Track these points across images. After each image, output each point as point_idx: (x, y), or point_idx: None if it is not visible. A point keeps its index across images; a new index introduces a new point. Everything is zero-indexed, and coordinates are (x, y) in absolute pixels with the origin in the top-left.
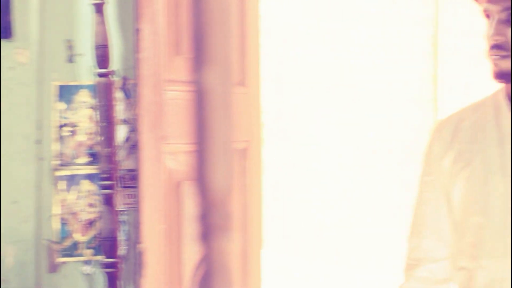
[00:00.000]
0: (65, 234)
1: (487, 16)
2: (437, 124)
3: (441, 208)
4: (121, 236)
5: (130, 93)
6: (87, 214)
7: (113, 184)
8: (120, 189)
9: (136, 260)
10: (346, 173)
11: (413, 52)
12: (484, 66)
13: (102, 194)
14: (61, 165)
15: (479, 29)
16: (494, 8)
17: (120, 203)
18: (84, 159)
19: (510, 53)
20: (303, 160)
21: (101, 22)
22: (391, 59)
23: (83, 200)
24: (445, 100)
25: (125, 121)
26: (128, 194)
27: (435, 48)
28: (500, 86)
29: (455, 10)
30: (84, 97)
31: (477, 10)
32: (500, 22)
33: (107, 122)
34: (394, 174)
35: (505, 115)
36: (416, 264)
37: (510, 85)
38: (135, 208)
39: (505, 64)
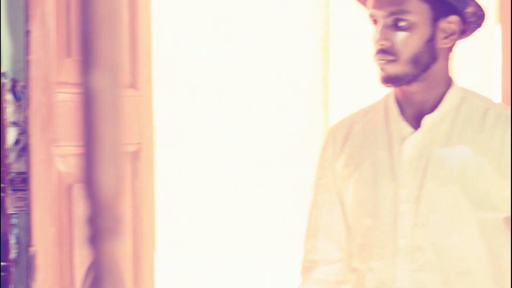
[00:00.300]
0: None
1: (374, 21)
2: (330, 128)
3: (335, 211)
4: (12, 240)
5: (20, 95)
6: None
7: (3, 187)
8: (11, 192)
9: (28, 264)
10: (239, 174)
11: (303, 55)
12: (374, 70)
13: None
14: None
15: (368, 33)
16: (380, 13)
17: (11, 206)
18: None
19: (396, 58)
20: (195, 162)
21: None
22: (282, 62)
23: None
24: (336, 103)
25: (14, 124)
26: (19, 197)
27: (326, 52)
28: (389, 90)
29: (346, 14)
30: None
31: (366, 15)
32: (386, 27)
33: None
34: (286, 176)
35: (394, 119)
36: (312, 266)
37: (398, 89)
38: (26, 211)
39: (391, 69)
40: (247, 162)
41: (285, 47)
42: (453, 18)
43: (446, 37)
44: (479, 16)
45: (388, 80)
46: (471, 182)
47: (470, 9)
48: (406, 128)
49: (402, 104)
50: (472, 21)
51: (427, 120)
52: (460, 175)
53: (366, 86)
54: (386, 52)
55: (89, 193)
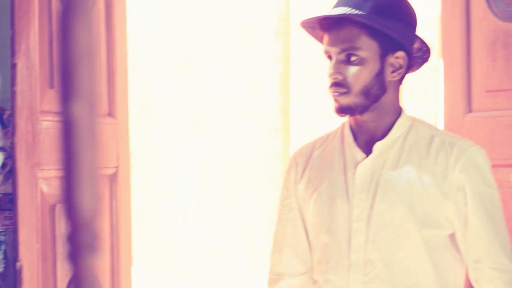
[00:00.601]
0: None
1: (329, 57)
2: (293, 153)
3: (298, 228)
4: (0, 255)
5: (6, 123)
6: None
7: None
8: None
9: (15, 277)
10: (207, 195)
11: (266, 87)
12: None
13: None
14: None
15: (324, 68)
16: (333, 50)
17: None
18: None
19: (348, 90)
20: (168, 184)
21: None
22: (247, 94)
23: None
24: (295, 130)
25: (1, 149)
26: (6, 216)
27: (286, 84)
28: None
29: (305, 49)
30: None
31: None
32: (339, 62)
33: None
34: (250, 196)
35: (348, 145)
36: (278, 278)
37: (352, 118)
38: (12, 229)
39: (344, 100)
40: (215, 184)
41: (249, 80)
42: (400, 53)
43: (394, 71)
44: (425, 52)
45: (342, 110)
46: (417, 202)
47: (416, 45)
48: (359, 153)
49: (356, 132)
50: (418, 56)
51: (377, 146)
52: (407, 197)
53: (323, 116)
54: (339, 85)
55: (70, 212)
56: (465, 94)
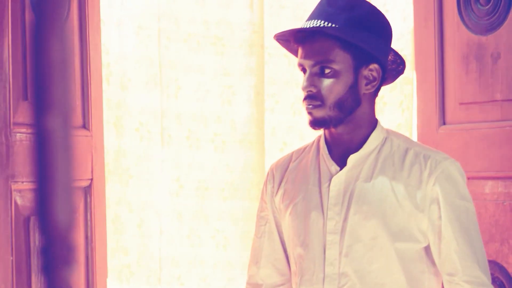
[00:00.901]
0: None
1: (303, 70)
2: (271, 166)
3: (275, 240)
4: None
5: None
6: None
7: None
8: None
9: None
10: (182, 207)
11: (240, 100)
12: (304, 113)
13: None
14: None
15: (298, 80)
16: (307, 63)
17: None
18: None
19: (322, 103)
20: (143, 196)
21: None
22: (221, 106)
23: None
24: (270, 142)
25: None
26: None
27: (261, 96)
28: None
29: (278, 62)
30: None
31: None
32: (313, 75)
33: None
34: (224, 208)
35: (323, 158)
36: None
37: (327, 130)
38: None
39: (318, 113)
40: (190, 196)
41: (223, 92)
42: (374, 66)
43: (368, 84)
44: (399, 64)
45: (316, 123)
46: (390, 215)
47: (390, 58)
48: (333, 166)
49: (330, 145)
50: (392, 69)
51: (351, 159)
52: (380, 209)
53: (297, 128)
54: (313, 98)
55: (45, 225)
56: (438, 107)
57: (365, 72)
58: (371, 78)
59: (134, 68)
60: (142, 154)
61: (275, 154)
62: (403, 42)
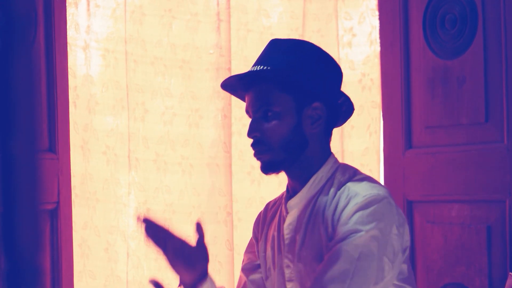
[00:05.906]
0: None
1: (250, 116)
2: (266, 205)
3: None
4: None
5: None
6: None
7: None
8: None
9: None
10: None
11: (207, 123)
12: None
13: None
14: None
15: None
16: (251, 108)
17: None
18: None
19: (268, 147)
20: (109, 220)
21: None
22: (188, 129)
23: None
24: (237, 166)
25: None
26: None
27: (228, 120)
28: None
29: None
30: None
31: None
32: (257, 120)
33: None
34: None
35: (283, 202)
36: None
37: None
38: None
39: (265, 157)
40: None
41: (190, 115)
42: (317, 104)
43: (313, 123)
44: (348, 106)
45: (265, 168)
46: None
47: (340, 100)
48: (285, 212)
49: (290, 188)
50: (343, 111)
51: (290, 204)
52: (318, 256)
53: None
54: (259, 143)
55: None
56: (405, 130)
57: (309, 111)
58: (316, 116)
59: (101, 92)
60: (109, 177)
61: (242, 178)
62: (370, 66)
